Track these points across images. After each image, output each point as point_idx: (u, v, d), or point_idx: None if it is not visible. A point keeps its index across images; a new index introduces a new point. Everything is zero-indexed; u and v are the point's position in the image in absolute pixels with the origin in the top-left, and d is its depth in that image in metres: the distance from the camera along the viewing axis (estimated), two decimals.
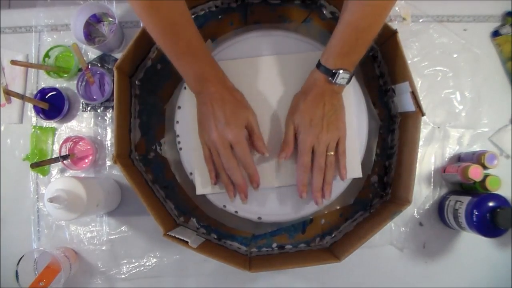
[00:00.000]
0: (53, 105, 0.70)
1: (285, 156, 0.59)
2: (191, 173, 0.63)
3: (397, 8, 0.72)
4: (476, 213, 0.60)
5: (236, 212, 0.62)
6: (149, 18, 0.52)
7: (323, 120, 0.57)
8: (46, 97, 0.70)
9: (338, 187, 0.63)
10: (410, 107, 0.60)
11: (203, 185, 0.62)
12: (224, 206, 0.62)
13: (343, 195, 0.64)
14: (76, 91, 0.69)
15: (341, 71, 0.55)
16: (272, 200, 0.63)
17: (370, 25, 0.54)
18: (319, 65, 0.57)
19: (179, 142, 0.64)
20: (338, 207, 0.67)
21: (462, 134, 0.71)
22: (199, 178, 0.62)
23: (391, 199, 0.65)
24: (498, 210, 0.59)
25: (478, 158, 0.65)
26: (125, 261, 0.68)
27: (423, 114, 0.59)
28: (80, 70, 0.70)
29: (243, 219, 0.64)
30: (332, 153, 0.58)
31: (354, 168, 0.62)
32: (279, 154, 0.59)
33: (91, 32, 0.72)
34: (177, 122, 0.64)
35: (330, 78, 0.56)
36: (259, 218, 0.63)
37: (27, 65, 0.70)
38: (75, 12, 0.68)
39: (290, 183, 0.62)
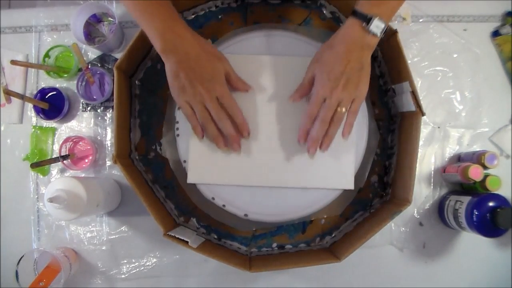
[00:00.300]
0: (53, 105, 0.70)
1: (294, 99, 0.60)
2: (184, 161, 0.64)
3: None
4: (476, 213, 0.60)
5: (223, 206, 0.63)
6: None
7: (342, 76, 0.54)
8: (46, 97, 0.70)
9: (327, 196, 0.63)
10: (410, 107, 0.60)
11: (195, 175, 0.62)
12: (213, 198, 0.63)
13: (332, 204, 0.64)
14: (76, 91, 0.69)
15: (376, 18, 0.53)
16: (260, 199, 0.63)
17: None
18: (353, 12, 0.54)
19: (177, 129, 0.64)
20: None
21: (462, 134, 0.71)
22: (192, 167, 0.62)
23: (391, 199, 0.65)
24: (498, 210, 0.59)
25: (478, 158, 0.65)
26: (125, 261, 0.68)
27: (423, 114, 0.59)
28: (80, 70, 0.70)
29: (243, 219, 0.64)
30: (343, 110, 0.56)
31: (347, 180, 0.62)
32: (290, 96, 0.60)
33: (91, 32, 0.72)
34: (178, 108, 0.64)
35: (364, 24, 0.53)
36: (246, 215, 0.63)
37: (27, 65, 0.70)
38: (75, 12, 0.68)
39: (283, 184, 0.62)
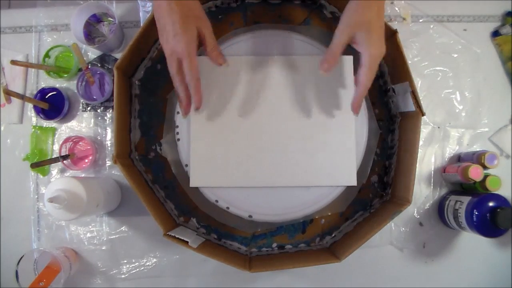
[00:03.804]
0: (53, 105, 0.70)
1: (326, 69, 0.55)
2: (186, 165, 0.64)
3: (397, 8, 0.72)
4: (476, 213, 0.60)
5: (227, 208, 0.63)
6: None
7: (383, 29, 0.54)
8: (46, 97, 0.70)
9: (330, 194, 0.63)
10: (410, 107, 0.60)
11: (197, 178, 0.62)
12: (216, 201, 0.63)
13: (336, 202, 0.64)
14: (76, 91, 0.69)
15: None
16: (264, 200, 0.63)
17: None
18: None
19: (177, 133, 0.64)
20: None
21: (462, 134, 0.71)
22: (194, 171, 0.62)
23: (391, 199, 0.65)
24: (498, 210, 0.59)
25: (478, 158, 0.65)
26: (125, 261, 0.68)
27: (423, 114, 0.59)
28: (80, 70, 0.70)
29: (243, 219, 0.64)
30: None
31: (349, 176, 0.62)
32: (321, 66, 0.55)
33: (91, 32, 0.72)
34: (178, 112, 0.65)
35: None
36: (250, 216, 0.63)
37: (27, 65, 0.70)
38: (75, 12, 0.68)
39: (286, 184, 0.62)
